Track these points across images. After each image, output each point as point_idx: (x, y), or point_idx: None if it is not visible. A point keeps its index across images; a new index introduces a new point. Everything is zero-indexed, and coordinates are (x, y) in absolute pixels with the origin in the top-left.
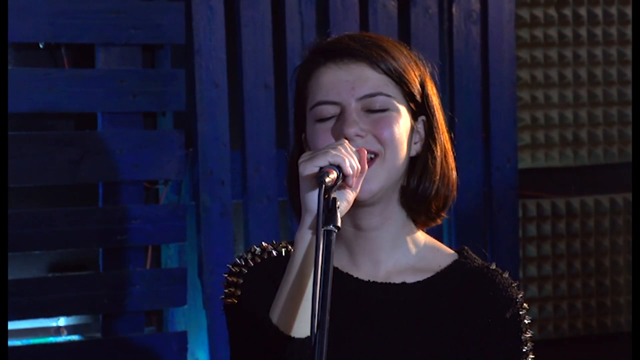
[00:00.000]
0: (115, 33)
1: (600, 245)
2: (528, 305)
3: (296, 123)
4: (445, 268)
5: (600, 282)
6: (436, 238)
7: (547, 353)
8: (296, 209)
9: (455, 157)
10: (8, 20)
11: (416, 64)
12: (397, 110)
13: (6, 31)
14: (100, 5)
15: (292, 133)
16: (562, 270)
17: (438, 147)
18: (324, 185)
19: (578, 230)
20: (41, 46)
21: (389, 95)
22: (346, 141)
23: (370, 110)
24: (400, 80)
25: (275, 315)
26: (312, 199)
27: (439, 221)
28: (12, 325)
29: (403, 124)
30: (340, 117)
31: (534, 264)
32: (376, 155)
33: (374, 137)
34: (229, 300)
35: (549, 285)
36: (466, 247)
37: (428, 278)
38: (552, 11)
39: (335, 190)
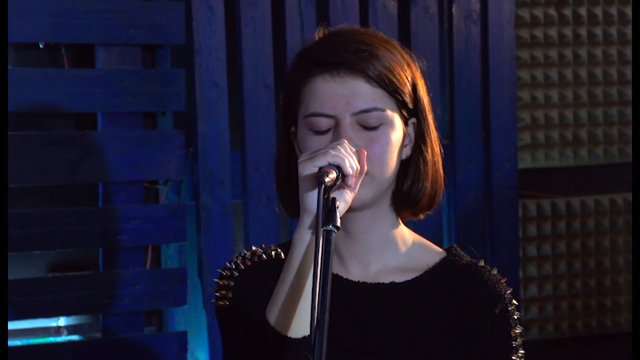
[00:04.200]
0: (115, 33)
1: (600, 245)
2: (528, 305)
3: (285, 119)
4: (433, 266)
5: (600, 282)
6: (437, 238)
7: (547, 353)
8: (285, 205)
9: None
10: (8, 20)
11: (408, 66)
12: (391, 123)
13: (6, 31)
14: (100, 5)
15: (281, 127)
16: (562, 270)
17: (429, 149)
18: (323, 185)
19: (578, 230)
20: (41, 46)
21: (383, 110)
22: (345, 141)
23: (365, 127)
24: (394, 91)
25: (271, 316)
26: (311, 199)
27: (421, 216)
28: (12, 325)
29: (395, 136)
30: (336, 131)
31: (534, 264)
32: (365, 174)
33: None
34: (221, 302)
35: (549, 285)
36: (454, 245)
37: (417, 277)
38: (552, 11)
39: (334, 191)
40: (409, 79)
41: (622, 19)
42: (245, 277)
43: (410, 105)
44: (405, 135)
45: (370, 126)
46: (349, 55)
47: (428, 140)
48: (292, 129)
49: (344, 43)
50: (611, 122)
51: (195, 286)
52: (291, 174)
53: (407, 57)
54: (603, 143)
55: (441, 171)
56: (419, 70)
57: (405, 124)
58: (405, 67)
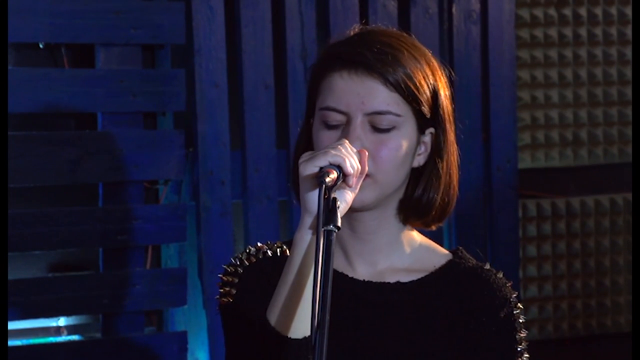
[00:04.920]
0: (115, 33)
1: (600, 245)
2: (528, 305)
3: (307, 109)
4: (439, 268)
5: (600, 282)
6: (437, 238)
7: (547, 353)
8: (298, 196)
9: (457, 164)
10: (8, 20)
11: (432, 75)
12: (403, 129)
13: (6, 31)
14: (100, 5)
15: (305, 117)
16: (562, 270)
17: (444, 161)
18: (324, 185)
19: (578, 230)
20: (41, 46)
21: (397, 115)
22: (346, 141)
23: (376, 128)
24: (412, 98)
25: (272, 316)
26: (312, 199)
27: (433, 228)
28: (12, 325)
29: (406, 143)
30: (346, 128)
31: (534, 264)
32: (369, 176)
33: (372, 158)
34: (224, 299)
35: (549, 285)
36: (460, 248)
37: (422, 277)
38: (552, 11)
39: (335, 191)
40: (430, 87)
41: (622, 19)
42: (249, 275)
43: (428, 115)
44: (419, 144)
45: (381, 128)
46: (370, 56)
47: (444, 152)
48: (311, 120)
49: (369, 43)
50: (611, 122)
51: (195, 286)
52: None
53: (433, 65)
54: (603, 143)
55: (455, 184)
56: (443, 80)
57: (422, 132)
58: (429, 75)
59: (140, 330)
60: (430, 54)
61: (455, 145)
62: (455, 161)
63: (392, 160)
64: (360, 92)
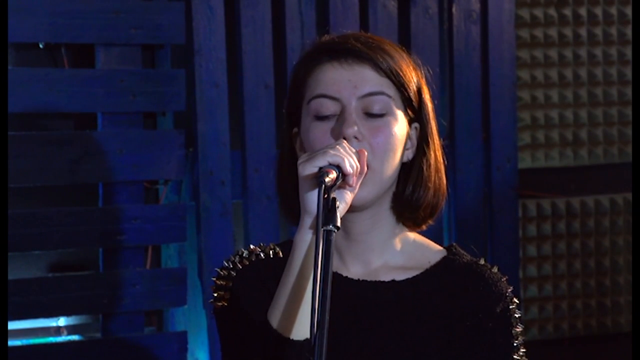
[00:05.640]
0: (115, 33)
1: (600, 245)
2: (528, 305)
3: (288, 118)
4: (434, 265)
5: (600, 282)
6: (437, 238)
7: (547, 353)
8: (286, 209)
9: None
10: (8, 20)
11: (414, 70)
12: (395, 115)
13: (6, 31)
14: (100, 5)
15: (284, 129)
16: (562, 270)
17: (432, 154)
18: (323, 185)
19: (578, 230)
20: (41, 46)
21: (389, 96)
22: (344, 141)
23: (370, 114)
24: (400, 84)
25: (273, 318)
26: (311, 200)
27: (424, 227)
28: (12, 325)
29: (399, 130)
30: (340, 117)
31: (534, 264)
32: (367, 167)
33: (369, 145)
34: (219, 303)
35: (549, 285)
36: (454, 244)
37: (418, 275)
38: (552, 11)
39: (334, 191)
40: (415, 80)
41: (622, 19)
42: (243, 278)
43: (415, 104)
44: (407, 138)
45: (374, 113)
46: (359, 45)
47: (431, 144)
48: (295, 129)
49: (354, 36)
50: (611, 122)
51: (195, 286)
52: (292, 177)
53: (413, 63)
54: (603, 143)
55: (444, 179)
56: (424, 78)
57: (409, 125)
58: (412, 69)
59: (140, 330)
60: (407, 52)
61: (439, 141)
62: (441, 157)
63: (388, 147)
64: (351, 79)
